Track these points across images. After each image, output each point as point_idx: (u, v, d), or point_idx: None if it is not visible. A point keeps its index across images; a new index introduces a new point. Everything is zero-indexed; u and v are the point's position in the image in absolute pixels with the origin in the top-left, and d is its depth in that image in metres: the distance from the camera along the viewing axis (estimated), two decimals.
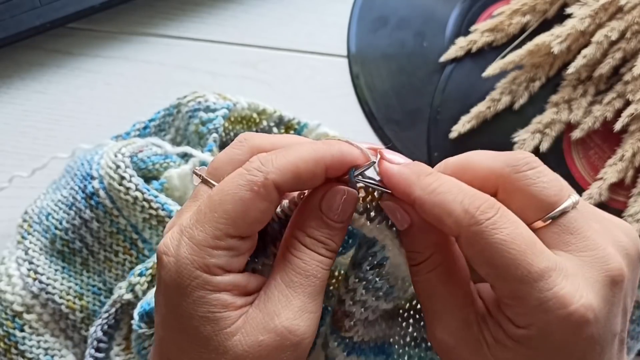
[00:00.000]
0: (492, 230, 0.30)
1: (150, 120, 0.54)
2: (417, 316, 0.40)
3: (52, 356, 0.47)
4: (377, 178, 0.34)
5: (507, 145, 0.57)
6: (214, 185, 0.34)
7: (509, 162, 0.33)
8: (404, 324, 0.40)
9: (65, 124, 0.60)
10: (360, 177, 0.33)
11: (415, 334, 0.40)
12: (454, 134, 0.58)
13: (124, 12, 0.64)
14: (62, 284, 0.48)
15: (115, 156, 0.47)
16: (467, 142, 0.58)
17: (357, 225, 0.34)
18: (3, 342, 0.47)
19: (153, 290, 0.42)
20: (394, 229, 0.34)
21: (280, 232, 0.35)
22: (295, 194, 0.35)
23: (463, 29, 0.62)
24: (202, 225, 0.32)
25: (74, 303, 0.48)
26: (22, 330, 0.47)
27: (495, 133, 0.58)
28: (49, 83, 0.61)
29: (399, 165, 0.33)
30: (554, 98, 0.58)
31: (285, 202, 0.35)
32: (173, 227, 0.33)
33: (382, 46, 0.63)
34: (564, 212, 0.32)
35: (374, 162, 0.33)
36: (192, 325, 0.32)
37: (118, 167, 0.46)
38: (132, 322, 0.42)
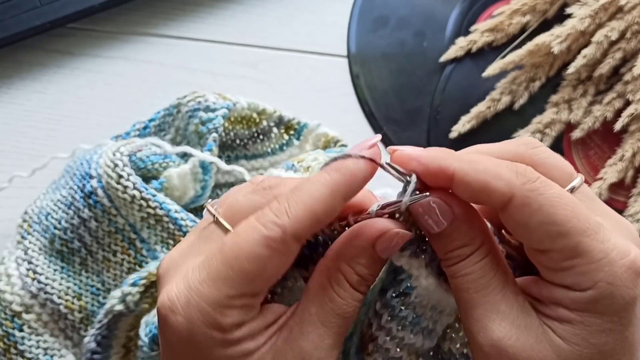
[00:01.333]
0: (546, 187, 0.29)
1: (150, 120, 0.54)
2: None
3: (52, 356, 0.47)
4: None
5: None
6: (228, 231, 0.31)
7: (520, 142, 0.33)
8: None
9: (66, 124, 0.60)
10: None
11: None
12: (454, 133, 0.58)
13: (124, 12, 0.64)
14: (60, 284, 0.48)
15: (114, 155, 0.47)
16: (467, 142, 0.58)
17: None
18: (2, 342, 0.47)
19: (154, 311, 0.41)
20: (422, 256, 0.32)
21: (311, 256, 0.33)
22: None
23: (463, 29, 0.62)
24: (214, 283, 0.29)
25: (73, 303, 0.48)
26: (21, 330, 0.47)
27: (495, 133, 0.58)
28: (49, 83, 0.61)
29: (419, 149, 0.31)
30: (554, 98, 0.58)
31: None
32: (176, 277, 0.31)
33: (382, 46, 0.63)
34: (579, 184, 0.32)
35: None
36: None
37: (116, 165, 0.46)
38: (140, 342, 0.41)
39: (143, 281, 0.43)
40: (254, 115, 0.53)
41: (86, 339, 0.45)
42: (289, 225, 0.29)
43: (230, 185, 0.55)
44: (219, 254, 0.30)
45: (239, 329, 0.30)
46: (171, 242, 0.47)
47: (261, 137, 0.54)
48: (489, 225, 0.33)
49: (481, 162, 0.29)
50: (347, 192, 0.30)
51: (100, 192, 0.47)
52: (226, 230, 0.31)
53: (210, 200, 0.34)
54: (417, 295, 0.33)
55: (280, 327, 0.31)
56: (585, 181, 0.56)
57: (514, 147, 0.32)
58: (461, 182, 0.29)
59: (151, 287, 0.43)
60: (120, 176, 0.46)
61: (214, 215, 0.32)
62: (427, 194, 0.30)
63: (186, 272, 0.30)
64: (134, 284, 0.43)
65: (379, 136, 0.32)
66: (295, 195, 0.30)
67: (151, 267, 0.44)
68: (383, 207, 0.31)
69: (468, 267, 0.31)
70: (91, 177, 0.47)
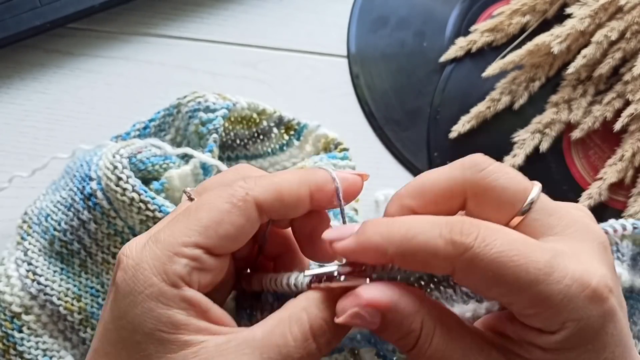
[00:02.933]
0: (485, 248, 0.27)
1: (151, 121, 0.54)
2: None
3: (51, 357, 0.47)
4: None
5: (507, 145, 0.57)
6: (191, 197, 0.33)
7: (466, 166, 0.30)
8: None
9: (66, 124, 0.60)
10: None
11: None
12: (453, 134, 0.58)
13: (124, 12, 0.64)
14: (60, 285, 0.48)
15: (113, 157, 0.47)
16: (466, 142, 0.58)
17: None
18: (2, 343, 0.47)
19: None
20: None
21: (272, 305, 0.33)
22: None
23: (463, 29, 0.62)
24: (171, 230, 0.30)
25: (72, 304, 0.48)
26: (20, 331, 0.47)
27: (494, 133, 0.58)
28: (49, 83, 0.61)
29: (352, 236, 0.29)
30: (554, 98, 0.58)
31: (285, 278, 0.32)
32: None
33: (381, 46, 0.63)
34: (537, 196, 0.30)
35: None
36: (134, 341, 0.28)
37: (115, 168, 0.46)
38: None
39: None
40: (254, 115, 0.53)
41: None
42: (254, 189, 0.31)
43: None
44: (183, 209, 0.31)
45: (181, 287, 0.29)
46: None
47: (261, 137, 0.54)
48: None
49: (414, 239, 0.28)
50: (315, 186, 0.32)
51: (99, 194, 0.46)
52: (191, 198, 0.33)
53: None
54: None
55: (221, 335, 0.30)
56: (585, 181, 0.56)
57: (459, 174, 0.30)
58: (402, 263, 0.29)
59: None
60: (120, 178, 0.46)
61: (188, 193, 0.34)
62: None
63: (152, 229, 0.32)
64: None
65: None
66: (270, 175, 0.32)
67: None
68: (318, 278, 0.31)
69: (422, 354, 0.29)
70: (91, 179, 0.47)
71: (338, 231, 0.30)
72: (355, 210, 0.53)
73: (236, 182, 0.31)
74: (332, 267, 0.30)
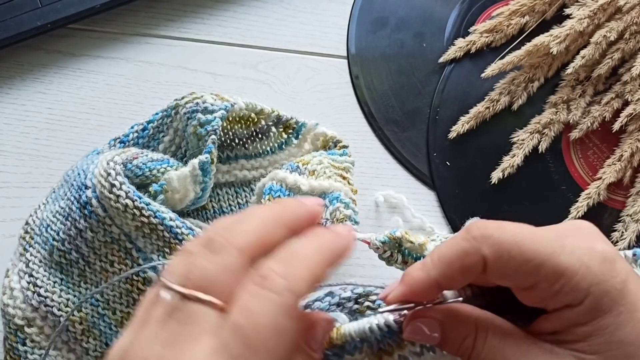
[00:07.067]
0: (503, 234, 0.31)
1: (149, 122, 0.53)
2: None
3: None
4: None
5: (506, 146, 0.57)
6: (218, 306, 0.27)
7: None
8: None
9: (67, 125, 0.60)
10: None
11: None
12: (453, 134, 0.58)
13: (125, 13, 0.64)
14: (60, 296, 0.47)
15: (107, 164, 0.46)
16: (466, 142, 0.58)
17: None
18: (9, 356, 0.47)
19: None
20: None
21: None
22: None
23: (462, 30, 0.63)
24: None
25: (73, 315, 0.47)
26: (24, 344, 0.47)
27: (494, 133, 0.58)
28: (50, 83, 0.62)
29: (397, 284, 0.33)
30: (553, 98, 0.58)
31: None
32: None
33: (381, 47, 0.63)
34: None
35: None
36: None
37: (109, 175, 0.45)
38: None
39: None
40: (252, 115, 0.53)
41: None
42: (299, 287, 0.27)
43: (230, 184, 0.55)
44: (236, 338, 0.26)
45: None
46: (167, 250, 0.46)
47: (260, 136, 0.54)
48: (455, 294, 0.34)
49: (444, 253, 0.32)
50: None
51: (94, 202, 0.46)
52: (216, 306, 0.27)
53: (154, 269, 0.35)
54: None
55: None
56: (584, 181, 0.56)
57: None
58: (446, 280, 0.32)
59: None
60: (113, 185, 0.45)
61: (190, 296, 0.27)
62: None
63: None
64: None
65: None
66: (289, 253, 0.29)
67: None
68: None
69: (481, 353, 0.32)
70: (86, 187, 0.46)
71: (387, 289, 0.34)
72: (354, 201, 0.49)
73: (275, 283, 0.27)
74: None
